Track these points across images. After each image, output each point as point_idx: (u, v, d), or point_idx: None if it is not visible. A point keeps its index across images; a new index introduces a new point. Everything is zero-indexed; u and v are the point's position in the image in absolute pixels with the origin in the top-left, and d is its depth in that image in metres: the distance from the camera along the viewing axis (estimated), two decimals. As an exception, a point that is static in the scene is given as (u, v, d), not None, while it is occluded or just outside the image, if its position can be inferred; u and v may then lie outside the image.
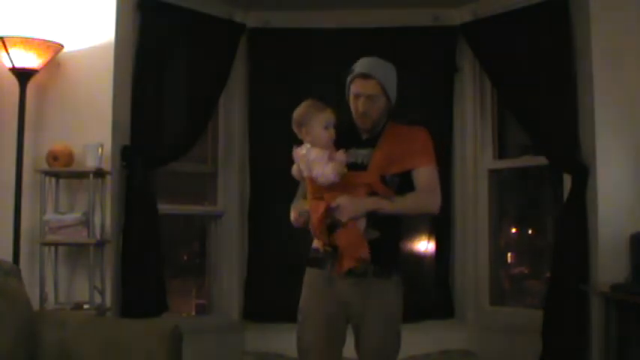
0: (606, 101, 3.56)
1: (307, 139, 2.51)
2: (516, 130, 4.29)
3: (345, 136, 2.59)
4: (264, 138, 4.45)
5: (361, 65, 2.62)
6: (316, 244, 2.62)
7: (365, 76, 2.58)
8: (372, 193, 2.52)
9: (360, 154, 2.58)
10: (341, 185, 2.46)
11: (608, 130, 3.55)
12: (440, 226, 4.37)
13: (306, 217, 2.52)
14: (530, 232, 4.84)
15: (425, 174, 2.59)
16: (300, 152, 2.51)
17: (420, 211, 2.66)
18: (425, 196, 2.58)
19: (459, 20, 4.38)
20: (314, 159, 2.45)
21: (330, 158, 2.45)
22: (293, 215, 2.58)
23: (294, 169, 2.59)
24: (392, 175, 2.56)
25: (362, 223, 2.47)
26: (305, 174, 2.52)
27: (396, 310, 2.62)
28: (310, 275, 2.65)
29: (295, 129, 2.55)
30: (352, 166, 2.52)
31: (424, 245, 4.44)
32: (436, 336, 4.25)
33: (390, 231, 2.57)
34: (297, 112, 2.55)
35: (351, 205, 2.43)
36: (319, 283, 2.60)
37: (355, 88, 2.61)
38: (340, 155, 2.47)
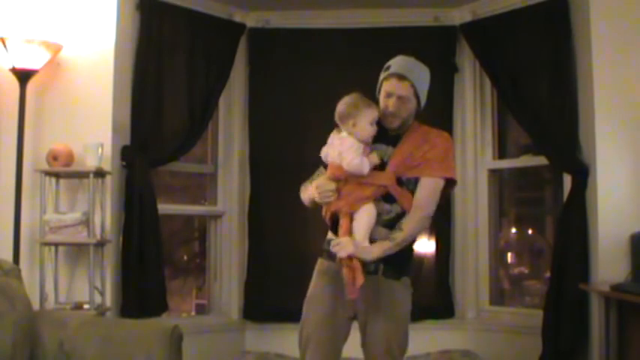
0: (606, 101, 3.55)
1: (353, 130, 2.51)
2: (516, 130, 4.29)
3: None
4: (264, 138, 4.45)
5: (398, 65, 2.61)
6: (330, 235, 2.62)
7: (400, 76, 2.57)
8: (387, 193, 2.52)
9: (384, 151, 2.57)
10: (357, 182, 2.48)
11: (608, 129, 3.55)
12: (440, 226, 4.36)
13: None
14: (530, 232, 4.84)
15: (424, 187, 2.55)
16: (339, 136, 2.53)
17: (419, 232, 2.61)
18: (418, 215, 2.53)
19: (459, 20, 4.38)
20: (349, 147, 2.48)
21: (365, 153, 2.49)
22: (306, 194, 2.62)
23: (324, 152, 2.60)
24: (408, 177, 2.55)
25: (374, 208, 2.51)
26: (329, 159, 2.54)
27: (404, 309, 2.61)
28: (322, 265, 2.65)
29: (340, 120, 2.54)
30: None
31: (424, 245, 4.44)
32: (436, 336, 4.24)
33: None
34: (347, 104, 2.53)
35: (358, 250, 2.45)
36: (329, 274, 2.59)
37: (388, 86, 2.58)
38: (373, 157, 2.50)
